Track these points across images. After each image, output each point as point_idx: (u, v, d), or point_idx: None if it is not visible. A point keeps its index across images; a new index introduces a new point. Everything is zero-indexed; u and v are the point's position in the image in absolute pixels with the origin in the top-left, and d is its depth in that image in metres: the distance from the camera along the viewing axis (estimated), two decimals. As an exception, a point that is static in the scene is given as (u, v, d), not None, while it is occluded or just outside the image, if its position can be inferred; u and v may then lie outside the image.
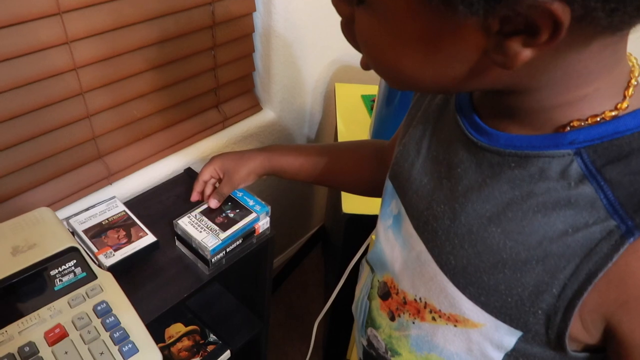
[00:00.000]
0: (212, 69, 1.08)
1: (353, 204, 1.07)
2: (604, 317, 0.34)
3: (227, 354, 0.90)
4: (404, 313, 0.48)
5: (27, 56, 0.74)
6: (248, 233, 0.77)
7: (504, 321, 0.38)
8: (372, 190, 0.76)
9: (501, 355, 0.41)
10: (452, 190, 0.41)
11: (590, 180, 0.33)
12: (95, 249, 0.75)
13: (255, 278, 0.91)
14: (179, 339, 0.91)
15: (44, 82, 0.78)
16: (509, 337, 0.39)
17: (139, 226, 0.80)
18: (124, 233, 0.78)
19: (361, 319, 0.58)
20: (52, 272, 0.65)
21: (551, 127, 0.35)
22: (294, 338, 1.58)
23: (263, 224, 0.79)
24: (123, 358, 0.60)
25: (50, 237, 0.68)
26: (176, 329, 0.93)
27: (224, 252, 0.74)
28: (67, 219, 0.81)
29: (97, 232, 0.79)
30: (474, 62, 0.31)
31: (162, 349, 0.91)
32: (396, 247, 0.49)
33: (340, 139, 1.25)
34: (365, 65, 0.39)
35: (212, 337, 0.92)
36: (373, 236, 1.07)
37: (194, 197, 0.81)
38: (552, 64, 0.31)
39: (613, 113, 0.33)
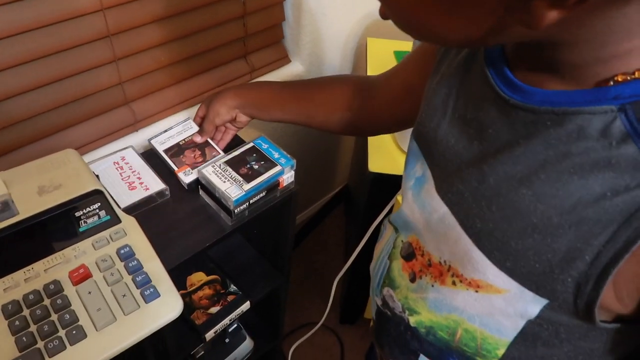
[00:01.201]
0: (241, 16, 1.04)
1: (379, 162, 1.04)
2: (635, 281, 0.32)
3: (247, 304, 0.91)
4: (426, 275, 0.47)
5: (53, -7, 0.72)
6: (272, 186, 0.76)
7: (530, 288, 0.37)
8: (353, 130, 0.75)
9: (524, 322, 0.40)
10: (481, 152, 0.39)
11: (634, 139, 0.30)
12: (174, 167, 0.79)
13: (277, 232, 0.90)
14: (200, 287, 0.92)
15: (70, 22, 0.77)
16: (534, 304, 0.37)
17: (212, 146, 0.83)
18: (199, 152, 0.82)
19: (378, 278, 0.57)
20: (77, 214, 0.65)
21: (593, 82, 0.32)
22: (313, 294, 1.60)
23: (287, 177, 0.77)
24: (145, 301, 0.61)
25: (76, 179, 0.67)
26: (198, 278, 0.94)
27: (247, 204, 0.73)
28: (150, 139, 0.86)
29: (176, 152, 0.83)
30: (497, 18, 0.29)
31: (183, 296, 0.92)
32: (416, 210, 0.47)
33: (370, 96, 1.21)
34: (383, 15, 0.36)
35: (233, 288, 0.93)
36: (399, 197, 1.05)
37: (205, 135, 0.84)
38: (590, 20, 0.29)
39: None
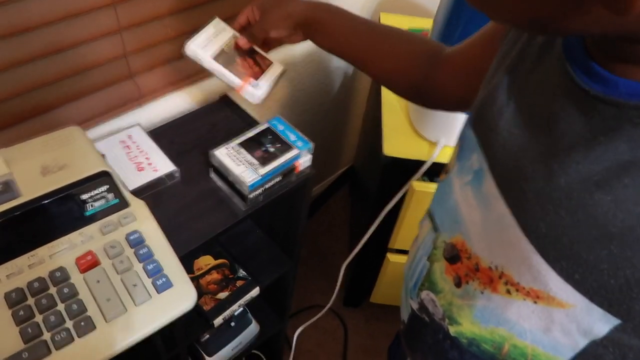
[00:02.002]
0: (253, -13, 0.98)
1: (395, 146, 1.01)
2: None
3: (257, 290, 0.88)
4: (473, 280, 0.43)
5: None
6: (288, 170, 0.72)
7: (601, 305, 0.33)
8: (414, 95, 0.67)
9: (586, 342, 0.36)
10: (550, 147, 0.34)
11: None
12: (235, 80, 0.65)
13: (289, 216, 0.87)
14: (207, 272, 0.89)
15: (73, -12, 0.71)
16: (603, 324, 0.34)
17: (262, 55, 0.71)
18: (252, 62, 0.69)
19: (415, 280, 0.53)
20: (83, 197, 0.61)
21: None
22: (316, 276, 1.58)
23: (304, 161, 0.73)
24: (157, 292, 0.57)
25: (81, 159, 0.63)
26: (205, 261, 0.91)
27: (262, 189, 0.70)
28: (186, 42, 0.70)
29: (226, 59, 0.68)
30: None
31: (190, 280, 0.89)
32: (474, 207, 0.42)
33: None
34: None
35: (242, 273, 0.90)
36: (414, 183, 1.02)
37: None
38: None
39: None
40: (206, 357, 0.98)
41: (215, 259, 0.91)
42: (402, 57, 0.65)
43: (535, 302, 0.37)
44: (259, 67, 0.68)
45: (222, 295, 0.87)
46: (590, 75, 0.32)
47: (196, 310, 0.86)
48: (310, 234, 1.69)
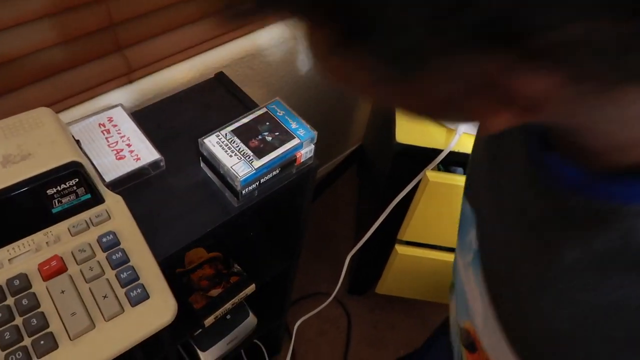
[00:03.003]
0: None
1: (408, 133, 0.91)
2: None
3: (252, 288, 0.81)
4: None
5: None
6: (287, 162, 0.63)
7: None
8: None
9: None
10: (524, 241, 0.30)
11: None
12: None
13: (289, 212, 0.79)
14: (199, 266, 0.82)
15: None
16: None
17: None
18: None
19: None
20: (50, 191, 0.53)
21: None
22: (320, 262, 1.51)
23: (306, 152, 0.65)
24: (130, 304, 0.50)
25: (50, 147, 0.55)
26: (197, 254, 0.83)
27: (257, 184, 0.61)
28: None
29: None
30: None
31: (181, 275, 0.82)
32: (477, 295, 0.36)
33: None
34: None
35: (237, 268, 0.82)
36: (428, 172, 0.93)
37: None
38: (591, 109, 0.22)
39: None
40: (199, 351, 0.92)
41: (209, 251, 0.84)
42: None
43: None
44: None
45: (215, 292, 0.80)
46: (556, 166, 0.28)
47: (186, 307, 0.80)
48: (315, 217, 1.61)
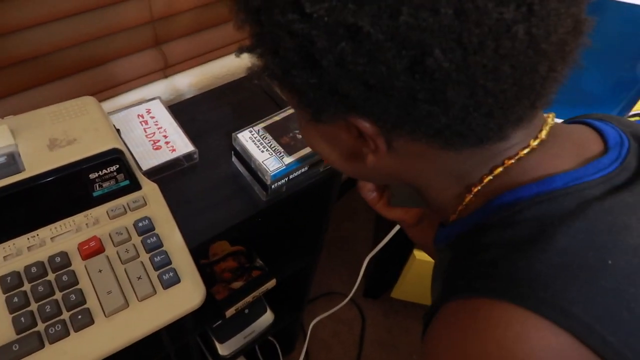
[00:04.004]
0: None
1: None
2: None
3: (273, 282, 0.83)
4: None
5: None
6: (316, 160, 0.65)
7: None
8: None
9: None
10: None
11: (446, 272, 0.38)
12: None
13: (314, 208, 0.81)
14: (223, 258, 0.84)
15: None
16: None
17: None
18: None
19: None
20: (92, 176, 0.56)
21: (446, 218, 0.41)
22: (337, 263, 1.52)
23: (335, 152, 0.66)
24: (162, 286, 0.52)
25: (93, 134, 0.58)
26: (221, 247, 0.86)
27: (286, 179, 0.63)
28: None
29: None
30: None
31: (204, 266, 0.84)
32: None
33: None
34: None
35: (259, 262, 0.84)
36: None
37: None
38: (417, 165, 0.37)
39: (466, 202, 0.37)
40: (217, 343, 0.94)
41: (232, 245, 0.86)
42: None
43: None
44: None
45: (237, 285, 0.82)
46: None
47: (208, 298, 0.82)
48: (334, 218, 1.63)
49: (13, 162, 0.54)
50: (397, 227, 1.05)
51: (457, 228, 0.38)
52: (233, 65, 0.90)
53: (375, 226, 1.60)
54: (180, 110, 0.72)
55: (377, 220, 1.60)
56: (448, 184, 0.37)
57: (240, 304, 0.80)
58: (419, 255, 1.14)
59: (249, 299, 0.81)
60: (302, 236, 0.90)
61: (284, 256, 0.88)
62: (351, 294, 1.23)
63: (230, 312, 0.80)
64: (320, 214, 0.80)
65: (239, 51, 0.34)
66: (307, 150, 0.63)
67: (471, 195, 0.36)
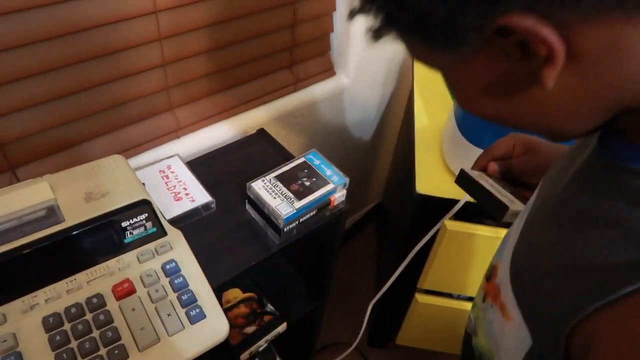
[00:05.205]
0: (291, 25, 1.01)
1: (427, 184, 1.00)
2: (587, 350, 0.30)
3: (284, 326, 0.87)
4: (489, 296, 0.48)
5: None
6: (323, 204, 0.72)
7: (525, 320, 0.37)
8: None
9: None
10: (558, 189, 0.38)
11: None
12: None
13: (320, 252, 0.86)
14: (236, 305, 0.89)
15: (123, 23, 0.75)
16: (524, 343, 0.37)
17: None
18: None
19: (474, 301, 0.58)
20: (124, 224, 0.62)
21: None
22: (340, 312, 1.54)
23: (339, 196, 0.73)
24: (190, 322, 0.57)
25: (123, 187, 0.65)
26: (234, 294, 0.90)
27: (297, 222, 0.69)
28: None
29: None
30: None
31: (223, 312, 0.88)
32: (513, 234, 0.46)
33: (417, 113, 1.16)
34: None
35: (270, 307, 0.89)
36: (446, 222, 1.00)
37: (482, 166, 0.63)
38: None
39: None
40: (229, 393, 0.96)
41: (244, 292, 0.91)
42: None
43: (502, 314, 0.42)
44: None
45: (249, 329, 0.86)
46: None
47: (223, 343, 0.85)
48: (335, 270, 1.67)
49: (53, 214, 0.60)
50: (399, 271, 1.10)
51: None
52: (243, 123, 0.99)
53: (377, 277, 1.64)
54: (197, 165, 0.80)
55: (378, 271, 1.64)
56: None
57: (254, 348, 0.84)
58: (421, 298, 1.18)
59: (262, 342, 0.84)
60: (310, 281, 0.95)
61: (293, 301, 0.92)
62: (356, 343, 1.25)
63: (244, 357, 0.83)
64: (327, 257, 0.85)
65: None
66: (315, 195, 0.70)
67: None
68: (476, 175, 0.60)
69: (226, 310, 0.88)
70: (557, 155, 0.49)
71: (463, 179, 0.61)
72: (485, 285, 0.50)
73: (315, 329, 1.00)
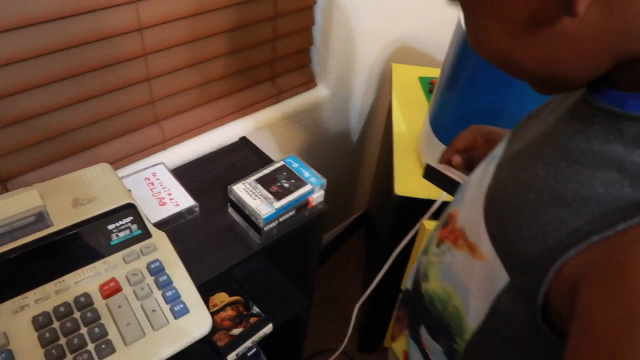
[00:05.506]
0: (271, 40, 1.06)
1: (406, 186, 1.04)
2: (578, 283, 0.31)
3: (270, 327, 0.89)
4: (448, 240, 0.48)
5: (92, 13, 0.73)
6: (302, 205, 0.75)
7: (501, 258, 0.38)
8: None
9: (486, 307, 0.40)
10: (539, 134, 0.40)
11: None
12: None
13: (303, 253, 0.89)
14: (222, 308, 0.91)
15: (108, 40, 0.79)
16: (498, 282, 0.38)
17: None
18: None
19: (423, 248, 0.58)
20: (110, 227, 0.65)
21: None
22: (330, 320, 1.57)
23: (317, 196, 0.77)
24: (174, 317, 0.60)
25: (109, 192, 0.68)
26: (220, 298, 0.93)
27: (276, 222, 0.73)
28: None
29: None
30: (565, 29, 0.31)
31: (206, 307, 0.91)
32: (476, 180, 0.47)
33: (395, 120, 1.21)
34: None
35: (256, 309, 0.91)
36: (425, 221, 1.04)
37: (446, 159, 0.68)
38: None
39: None
40: (219, 397, 0.98)
41: (230, 295, 0.93)
42: None
43: (471, 255, 0.42)
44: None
45: (236, 331, 0.88)
46: (598, 91, 0.36)
47: (210, 345, 0.87)
48: (323, 280, 1.69)
49: (42, 219, 0.63)
50: (382, 273, 1.13)
51: None
52: (226, 134, 1.02)
53: (364, 282, 1.67)
54: (182, 172, 0.83)
55: (365, 278, 1.67)
56: None
57: (240, 349, 0.86)
58: (406, 300, 1.21)
59: (248, 343, 0.87)
60: (295, 283, 0.98)
61: (279, 303, 0.94)
62: (342, 346, 1.27)
63: (231, 357, 0.85)
64: (309, 258, 0.88)
65: None
66: (294, 196, 0.74)
67: None
68: (442, 167, 0.65)
69: (213, 314, 0.90)
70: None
71: (430, 173, 0.66)
72: (439, 232, 0.51)
73: (302, 331, 1.03)
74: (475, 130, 0.65)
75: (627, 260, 0.28)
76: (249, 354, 1.05)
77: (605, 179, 0.32)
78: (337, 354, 1.24)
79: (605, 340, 0.28)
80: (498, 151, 0.48)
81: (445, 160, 0.67)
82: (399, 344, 0.61)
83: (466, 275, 0.43)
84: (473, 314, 0.42)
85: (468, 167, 0.65)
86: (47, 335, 0.56)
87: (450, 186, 0.64)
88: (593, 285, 0.30)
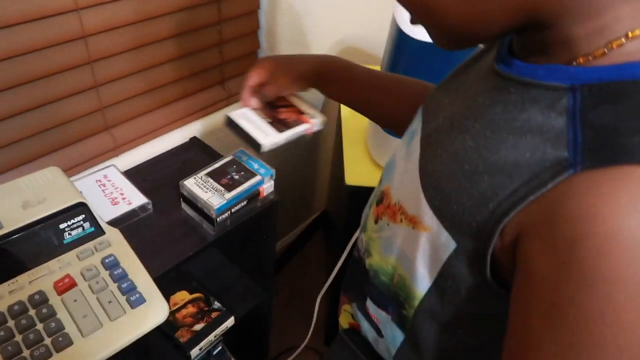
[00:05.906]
0: (218, 44, 1.09)
1: (355, 176, 1.08)
2: (518, 239, 0.35)
3: (231, 320, 0.91)
4: (385, 216, 0.51)
5: (35, 21, 0.75)
6: (253, 195, 0.78)
7: (446, 227, 0.40)
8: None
9: (435, 273, 0.43)
10: (459, 108, 0.43)
11: (569, 116, 0.34)
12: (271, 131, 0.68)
13: (259, 246, 0.92)
14: (183, 306, 0.92)
15: (51, 48, 0.79)
16: (445, 248, 0.41)
17: (294, 107, 0.74)
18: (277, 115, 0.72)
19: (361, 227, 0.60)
20: (62, 226, 0.66)
21: (564, 60, 0.35)
22: (296, 318, 1.59)
23: (267, 187, 0.80)
24: (131, 307, 0.61)
25: (60, 193, 0.69)
26: (181, 296, 0.94)
27: (229, 213, 0.76)
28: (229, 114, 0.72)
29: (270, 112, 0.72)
30: None
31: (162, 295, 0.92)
32: (402, 159, 0.50)
33: (344, 118, 1.26)
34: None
35: (217, 304, 0.93)
36: (376, 208, 1.09)
37: (244, 103, 0.72)
38: None
39: (621, 41, 0.33)
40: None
41: (191, 293, 0.95)
42: (401, 99, 0.71)
43: (413, 228, 0.45)
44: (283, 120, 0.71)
45: (198, 327, 0.90)
46: (505, 62, 0.40)
47: (173, 343, 0.89)
48: (288, 278, 1.72)
49: (-9, 222, 0.63)
50: (340, 263, 1.17)
51: (591, 74, 0.34)
52: (178, 137, 1.04)
53: (327, 277, 1.70)
54: (134, 173, 0.85)
55: (327, 272, 1.70)
56: (588, 17, 0.33)
57: (203, 343, 0.87)
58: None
59: (211, 337, 0.88)
60: (254, 278, 1.00)
61: (240, 297, 0.97)
62: (307, 340, 1.30)
63: (195, 352, 0.86)
64: (265, 250, 0.91)
65: None
66: (244, 187, 0.77)
67: (623, 40, 0.33)
68: (238, 115, 0.67)
69: (174, 312, 0.91)
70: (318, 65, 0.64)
71: (229, 124, 0.69)
72: (375, 209, 0.54)
73: (266, 325, 1.05)
74: (263, 63, 0.69)
75: (559, 211, 0.32)
76: (214, 352, 1.06)
77: (530, 143, 0.35)
78: (300, 349, 1.27)
79: (546, 283, 0.32)
80: (415, 126, 0.51)
81: (245, 103, 0.70)
82: (343, 318, 0.65)
83: (409, 246, 0.45)
84: (420, 281, 0.45)
85: (269, 104, 0.69)
86: (2, 333, 0.56)
87: (243, 136, 0.66)
88: (532, 238, 0.33)
